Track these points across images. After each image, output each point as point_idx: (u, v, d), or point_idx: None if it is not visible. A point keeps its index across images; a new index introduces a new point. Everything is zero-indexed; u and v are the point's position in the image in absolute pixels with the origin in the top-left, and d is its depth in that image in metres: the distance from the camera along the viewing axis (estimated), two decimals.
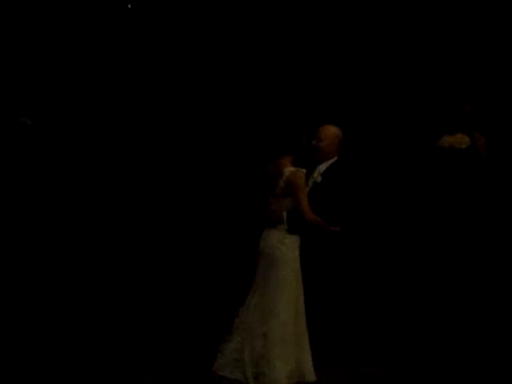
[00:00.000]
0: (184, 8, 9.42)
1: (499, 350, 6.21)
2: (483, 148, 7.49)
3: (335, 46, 9.02)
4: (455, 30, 8.67)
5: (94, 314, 6.82)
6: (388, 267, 8.13)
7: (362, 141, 8.32)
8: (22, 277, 7.48)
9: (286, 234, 5.27)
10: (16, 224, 7.94)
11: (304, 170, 5.27)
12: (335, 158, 5.59)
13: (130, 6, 9.29)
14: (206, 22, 9.31)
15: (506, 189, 7.94)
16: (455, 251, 7.53)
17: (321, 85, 8.95)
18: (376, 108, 8.87)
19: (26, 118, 8.31)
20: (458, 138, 7.43)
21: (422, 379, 5.51)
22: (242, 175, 8.48)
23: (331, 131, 5.61)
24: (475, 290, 7.38)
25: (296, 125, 5.53)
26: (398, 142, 8.73)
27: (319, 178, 5.53)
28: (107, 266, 8.03)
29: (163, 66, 9.42)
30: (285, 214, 5.27)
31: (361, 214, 5.65)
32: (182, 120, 9.32)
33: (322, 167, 5.58)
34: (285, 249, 5.25)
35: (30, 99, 8.45)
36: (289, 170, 5.22)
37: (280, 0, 9.12)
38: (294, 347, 5.19)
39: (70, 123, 8.83)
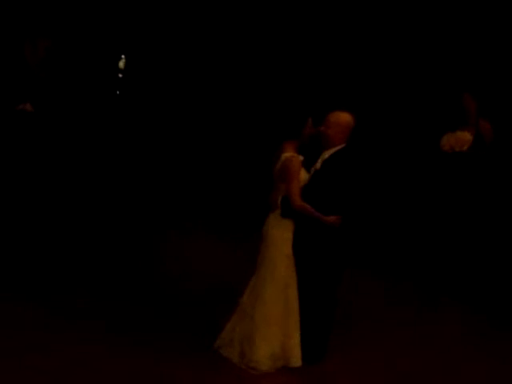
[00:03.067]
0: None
1: None
2: (489, 134, 7.35)
3: (343, 40, 9.04)
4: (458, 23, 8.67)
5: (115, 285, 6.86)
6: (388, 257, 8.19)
7: (371, 132, 8.31)
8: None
9: (280, 217, 5.34)
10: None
11: (301, 158, 5.33)
12: (341, 146, 5.36)
13: None
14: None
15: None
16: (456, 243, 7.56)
17: (330, 77, 8.99)
18: (383, 101, 8.88)
19: (28, 105, 8.22)
20: (458, 137, 7.26)
21: (420, 367, 5.57)
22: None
23: (340, 118, 5.36)
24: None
25: (299, 108, 5.50)
26: (405, 136, 8.75)
27: (319, 165, 5.39)
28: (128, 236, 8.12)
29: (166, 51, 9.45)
30: (280, 197, 5.35)
31: (356, 203, 5.42)
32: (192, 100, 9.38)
33: (326, 154, 5.38)
34: (277, 232, 5.33)
35: (32, 86, 8.38)
36: (286, 155, 5.30)
37: None
38: (280, 331, 5.28)
39: (71, 111, 8.80)
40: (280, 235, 5.33)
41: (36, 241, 7.57)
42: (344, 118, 5.37)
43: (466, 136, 7.25)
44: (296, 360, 5.30)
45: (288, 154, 5.33)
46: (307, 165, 5.48)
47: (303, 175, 5.35)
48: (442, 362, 5.65)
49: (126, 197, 9.40)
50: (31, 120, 8.27)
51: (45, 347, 5.34)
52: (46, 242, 7.62)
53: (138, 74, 9.69)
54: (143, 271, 7.29)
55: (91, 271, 7.15)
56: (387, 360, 5.59)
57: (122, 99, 9.72)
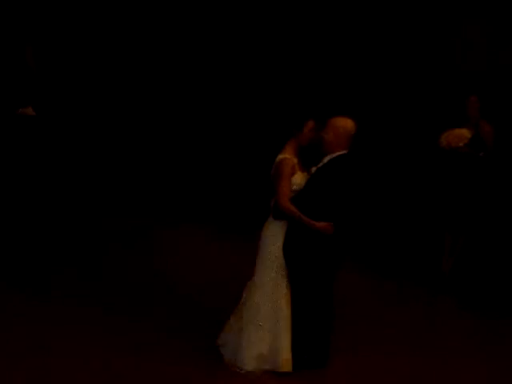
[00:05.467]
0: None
1: None
2: (490, 137, 7.35)
3: (345, 40, 9.07)
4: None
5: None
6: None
7: (372, 135, 8.31)
8: None
9: (273, 219, 5.30)
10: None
11: (295, 160, 5.25)
12: (342, 152, 5.24)
13: None
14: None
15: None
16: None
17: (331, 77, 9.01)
18: (383, 103, 8.89)
19: (29, 109, 8.26)
20: (456, 134, 7.24)
21: (420, 369, 5.55)
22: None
23: (338, 124, 5.23)
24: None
25: (301, 109, 5.47)
26: (405, 137, 8.75)
27: (314, 170, 5.31)
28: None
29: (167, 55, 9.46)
30: (273, 199, 5.30)
31: (349, 210, 5.28)
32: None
33: (326, 159, 5.27)
34: (269, 233, 5.28)
35: (33, 89, 8.41)
36: (280, 156, 5.25)
37: None
38: (268, 333, 5.23)
39: (73, 114, 8.84)
40: (271, 236, 5.28)
41: (37, 242, 7.62)
42: (342, 123, 5.26)
43: (463, 133, 7.25)
44: (285, 364, 5.22)
45: (282, 155, 5.27)
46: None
47: (299, 179, 5.27)
48: (442, 365, 5.62)
49: (126, 196, 9.42)
50: (32, 124, 8.32)
51: (45, 348, 5.34)
52: (46, 243, 7.66)
53: (139, 74, 9.69)
54: (142, 270, 7.30)
55: (90, 271, 7.17)
56: (387, 363, 5.57)
57: (123, 99, 9.71)
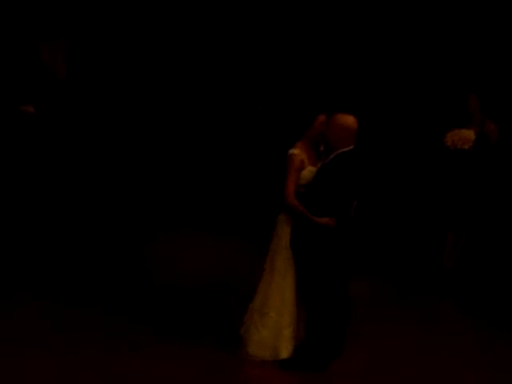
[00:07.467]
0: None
1: None
2: (494, 135, 7.35)
3: (350, 40, 9.12)
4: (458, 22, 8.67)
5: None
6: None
7: (376, 133, 8.31)
8: None
9: (283, 212, 5.43)
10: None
11: (302, 155, 5.33)
12: (347, 148, 5.22)
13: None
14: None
15: None
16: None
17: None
18: (385, 101, 8.89)
19: (30, 107, 8.23)
20: (462, 135, 7.25)
21: (421, 372, 5.51)
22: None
23: (338, 120, 5.21)
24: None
25: (310, 106, 5.48)
26: (408, 135, 8.76)
27: (319, 165, 5.35)
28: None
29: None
30: None
31: (351, 205, 5.34)
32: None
33: (332, 156, 5.27)
34: (280, 225, 5.41)
35: (34, 87, 8.37)
36: (289, 151, 5.35)
37: None
38: (273, 321, 5.36)
39: (73, 112, 8.80)
40: (281, 228, 5.39)
41: (34, 243, 7.59)
42: (342, 120, 5.23)
43: (469, 135, 7.26)
44: (286, 352, 5.34)
45: (291, 151, 5.37)
46: None
47: (308, 174, 5.34)
48: (443, 365, 5.61)
49: (126, 198, 9.40)
50: (32, 121, 8.29)
51: (44, 349, 5.33)
52: (44, 244, 7.63)
53: (143, 78, 9.69)
54: (141, 272, 7.32)
55: (90, 272, 7.15)
56: (387, 363, 5.56)
57: (124, 103, 9.70)
